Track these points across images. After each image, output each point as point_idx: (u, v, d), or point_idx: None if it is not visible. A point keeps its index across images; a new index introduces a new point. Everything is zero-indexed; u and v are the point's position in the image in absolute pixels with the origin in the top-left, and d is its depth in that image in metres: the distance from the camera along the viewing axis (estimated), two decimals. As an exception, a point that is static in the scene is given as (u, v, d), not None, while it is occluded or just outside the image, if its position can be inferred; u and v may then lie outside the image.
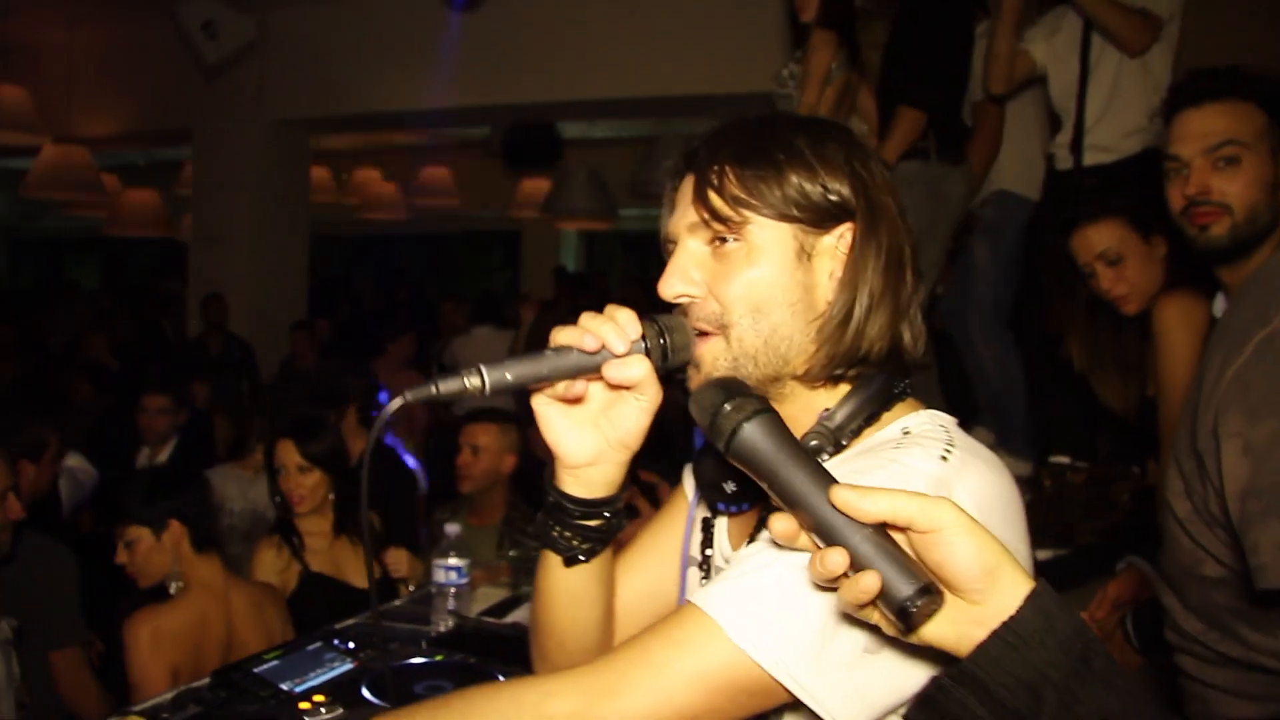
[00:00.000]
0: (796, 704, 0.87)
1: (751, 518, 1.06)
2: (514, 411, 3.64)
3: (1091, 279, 2.41)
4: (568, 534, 1.02)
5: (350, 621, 2.15)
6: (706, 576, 1.12)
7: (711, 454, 1.03)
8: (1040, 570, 2.66)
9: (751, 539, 1.03)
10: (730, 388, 0.86)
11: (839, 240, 0.98)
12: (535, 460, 3.40)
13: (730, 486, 1.03)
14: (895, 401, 0.99)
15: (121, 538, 2.44)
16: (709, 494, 1.06)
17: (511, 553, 2.98)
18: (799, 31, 3.67)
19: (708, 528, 1.13)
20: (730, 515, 1.09)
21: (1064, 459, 3.10)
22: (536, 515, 1.06)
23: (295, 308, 7.85)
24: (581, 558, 1.03)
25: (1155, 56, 3.14)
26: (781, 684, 0.85)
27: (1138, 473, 2.88)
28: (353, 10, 6.87)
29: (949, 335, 3.91)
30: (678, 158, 1.05)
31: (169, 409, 4.52)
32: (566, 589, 1.05)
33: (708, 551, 1.12)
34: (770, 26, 5.04)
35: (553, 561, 1.04)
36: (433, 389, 0.87)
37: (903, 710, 0.87)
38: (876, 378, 0.98)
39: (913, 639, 0.76)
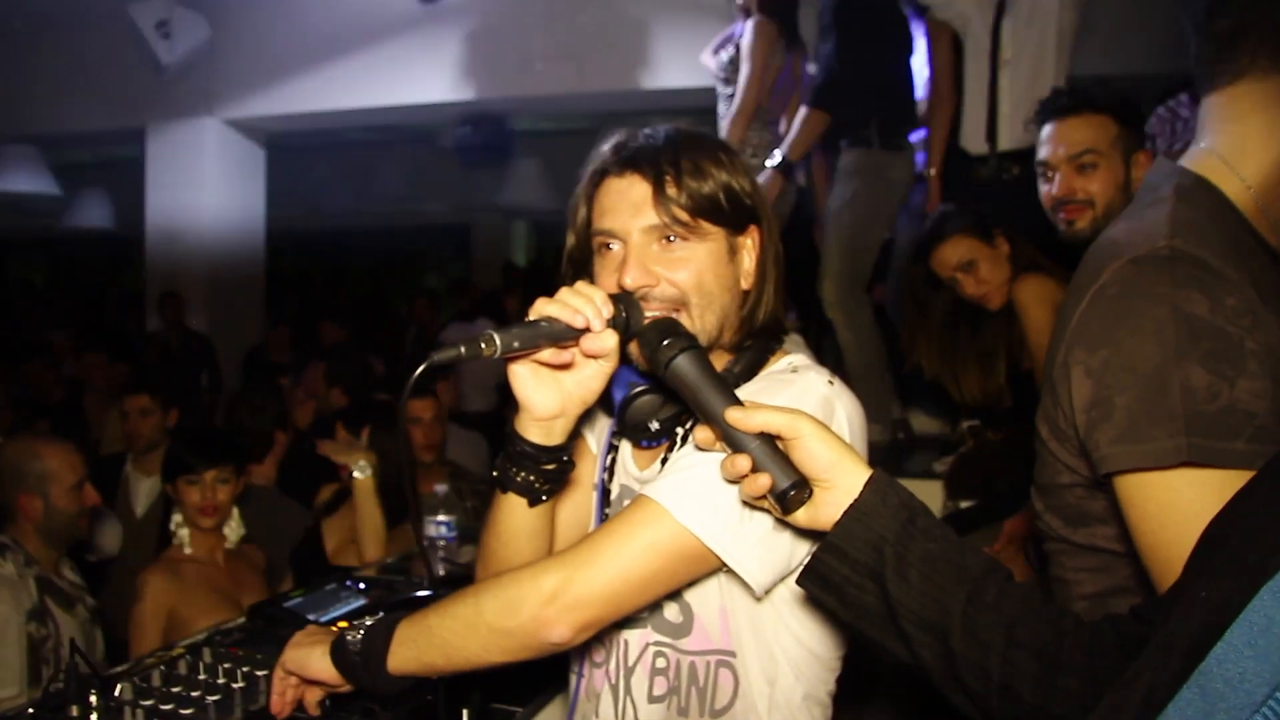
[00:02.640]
0: (724, 569, 1.16)
1: (661, 449, 1.33)
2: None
3: (957, 287, 2.81)
4: (532, 477, 1.19)
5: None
6: (618, 496, 1.37)
7: (639, 401, 1.26)
8: (961, 516, 3.01)
9: (663, 462, 1.28)
10: (669, 328, 1.10)
11: (751, 240, 1.26)
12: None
13: (654, 425, 1.24)
14: (776, 350, 1.31)
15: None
16: (634, 433, 1.26)
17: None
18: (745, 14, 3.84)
19: (613, 462, 1.37)
20: (650, 448, 1.34)
21: (975, 423, 3.47)
22: (495, 465, 1.23)
23: (253, 303, 7.97)
24: (544, 497, 1.21)
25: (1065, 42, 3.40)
26: (714, 552, 1.12)
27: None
28: (307, 8, 6.95)
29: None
30: (608, 160, 1.24)
31: (152, 409, 3.87)
32: (528, 526, 1.23)
33: (618, 479, 1.38)
34: (716, 22, 5.25)
35: (515, 504, 1.21)
36: (459, 351, 1.01)
37: (794, 576, 1.10)
38: (763, 338, 1.29)
39: (790, 520, 0.99)
